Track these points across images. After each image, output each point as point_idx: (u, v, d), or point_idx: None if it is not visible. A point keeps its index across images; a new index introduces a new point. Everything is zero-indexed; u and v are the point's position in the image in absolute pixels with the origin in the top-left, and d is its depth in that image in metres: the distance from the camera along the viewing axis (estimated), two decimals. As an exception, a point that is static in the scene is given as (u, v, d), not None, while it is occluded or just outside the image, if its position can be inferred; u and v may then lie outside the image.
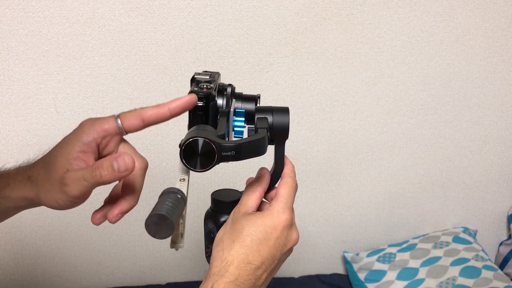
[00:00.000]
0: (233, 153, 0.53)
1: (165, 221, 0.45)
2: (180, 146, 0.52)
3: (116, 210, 0.58)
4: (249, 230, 0.55)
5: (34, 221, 1.24)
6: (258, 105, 0.63)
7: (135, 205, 0.59)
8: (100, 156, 0.58)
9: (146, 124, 0.58)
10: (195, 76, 0.62)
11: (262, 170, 0.63)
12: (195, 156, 0.53)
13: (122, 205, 0.58)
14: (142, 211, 1.29)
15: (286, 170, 0.61)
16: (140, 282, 1.35)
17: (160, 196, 0.50)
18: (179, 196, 0.50)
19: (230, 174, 1.26)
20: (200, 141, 0.52)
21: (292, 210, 0.58)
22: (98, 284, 1.33)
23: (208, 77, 0.62)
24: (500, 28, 1.28)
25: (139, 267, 1.34)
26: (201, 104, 0.58)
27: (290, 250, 0.59)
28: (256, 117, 0.60)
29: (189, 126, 0.59)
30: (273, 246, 0.56)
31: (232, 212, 0.60)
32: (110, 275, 1.34)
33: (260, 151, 0.55)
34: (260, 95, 0.65)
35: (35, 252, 1.27)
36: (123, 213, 0.58)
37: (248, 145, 0.54)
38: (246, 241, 0.55)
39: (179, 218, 0.51)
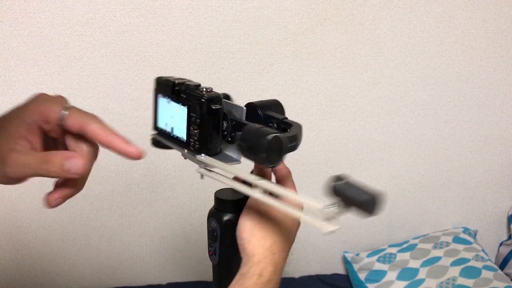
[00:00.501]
0: (293, 143, 0.54)
1: (378, 200, 0.46)
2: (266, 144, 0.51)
3: (57, 194, 0.52)
4: (281, 221, 0.60)
5: (35, 221, 1.24)
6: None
7: (79, 191, 0.54)
8: (46, 136, 0.52)
9: (85, 135, 0.51)
10: (177, 82, 0.60)
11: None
12: (280, 151, 0.52)
13: (65, 190, 0.53)
14: (143, 211, 1.30)
15: (284, 170, 0.64)
16: (141, 282, 1.35)
17: (347, 184, 0.48)
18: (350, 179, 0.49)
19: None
20: (280, 138, 0.51)
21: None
22: (99, 284, 1.33)
23: (187, 80, 0.61)
24: (500, 29, 1.28)
25: (139, 267, 1.34)
26: (219, 107, 0.58)
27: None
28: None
29: (202, 132, 0.58)
30: (295, 230, 0.62)
31: (253, 199, 0.61)
32: (111, 275, 1.34)
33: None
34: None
35: (35, 252, 1.27)
36: (65, 198, 0.53)
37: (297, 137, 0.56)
38: (282, 230, 0.59)
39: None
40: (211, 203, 0.65)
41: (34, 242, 1.26)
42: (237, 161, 0.60)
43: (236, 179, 0.61)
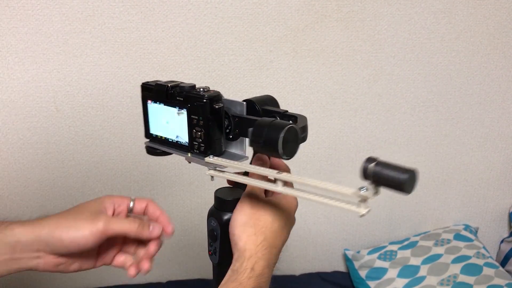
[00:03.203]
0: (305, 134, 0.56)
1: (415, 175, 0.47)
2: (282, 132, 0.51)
3: (146, 261, 0.70)
4: (274, 218, 0.59)
5: (35, 220, 1.24)
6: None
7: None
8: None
9: (146, 212, 0.68)
10: (169, 85, 0.60)
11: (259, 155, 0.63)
12: (294, 142, 0.53)
13: (151, 249, 0.69)
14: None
15: (282, 162, 0.64)
16: (141, 280, 1.35)
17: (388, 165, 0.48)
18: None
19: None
20: (293, 128, 0.52)
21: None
22: (99, 282, 1.33)
23: (181, 82, 0.61)
24: (501, 25, 1.27)
25: (139, 265, 1.34)
26: (221, 105, 0.57)
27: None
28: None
29: (208, 133, 0.57)
30: (289, 228, 0.61)
31: (246, 194, 0.60)
32: (111, 273, 1.33)
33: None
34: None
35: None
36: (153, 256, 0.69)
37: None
38: (274, 227, 0.58)
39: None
40: (211, 201, 0.65)
41: (34, 240, 1.26)
42: (245, 157, 0.60)
43: (248, 174, 0.60)
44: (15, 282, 1.29)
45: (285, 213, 0.60)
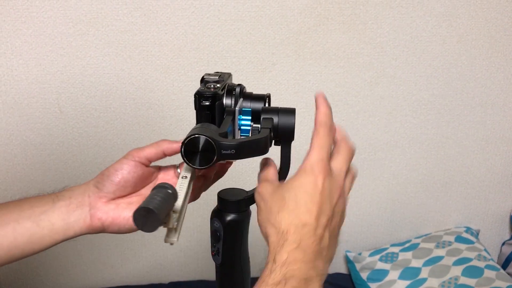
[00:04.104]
0: (233, 151, 0.53)
1: (151, 215, 0.46)
2: (181, 143, 0.53)
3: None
4: (289, 196, 0.52)
5: (38, 220, 1.24)
6: (267, 105, 0.63)
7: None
8: None
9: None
10: (204, 77, 0.62)
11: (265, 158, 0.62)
12: (196, 153, 0.53)
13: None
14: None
15: (318, 116, 0.57)
16: (143, 281, 1.35)
17: (152, 190, 0.50)
18: (170, 191, 0.50)
19: (237, 173, 1.26)
20: (201, 138, 0.53)
21: (327, 158, 0.54)
22: (102, 283, 1.33)
23: (217, 78, 0.62)
24: (502, 28, 1.28)
25: (142, 266, 1.34)
26: (207, 104, 0.58)
27: (341, 196, 0.55)
28: (261, 117, 0.60)
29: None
30: (321, 201, 0.52)
31: (257, 194, 0.57)
32: (114, 274, 1.34)
33: (260, 151, 0.55)
34: (270, 94, 0.65)
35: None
36: None
37: (248, 144, 0.54)
38: (291, 206, 0.52)
39: (167, 212, 0.51)
40: (213, 202, 0.65)
41: (36, 241, 1.26)
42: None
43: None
44: (18, 282, 1.29)
45: (309, 185, 0.52)
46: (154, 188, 0.51)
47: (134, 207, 0.54)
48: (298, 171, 0.54)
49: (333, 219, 0.53)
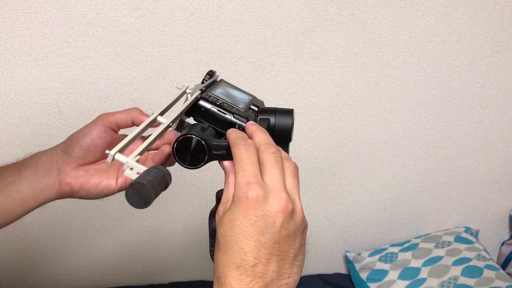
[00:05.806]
0: (223, 152, 0.54)
1: (144, 189, 0.46)
2: (173, 142, 0.54)
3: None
4: (221, 233, 0.48)
5: (37, 221, 1.24)
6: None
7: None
8: None
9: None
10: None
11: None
12: (187, 153, 0.54)
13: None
14: (144, 211, 1.30)
15: (229, 141, 0.53)
16: (143, 281, 1.35)
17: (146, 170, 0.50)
18: (164, 171, 0.50)
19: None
20: (193, 139, 0.53)
21: (255, 175, 0.47)
22: (101, 283, 1.34)
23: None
24: (501, 28, 1.28)
25: (141, 267, 1.35)
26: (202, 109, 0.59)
27: (284, 211, 0.46)
28: (258, 117, 0.60)
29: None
30: (255, 234, 0.45)
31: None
32: (113, 274, 1.34)
33: None
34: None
35: (38, 252, 1.28)
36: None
37: None
38: (223, 247, 0.47)
39: (160, 192, 0.49)
40: (212, 202, 0.65)
41: (36, 242, 1.27)
42: None
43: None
44: (18, 282, 1.30)
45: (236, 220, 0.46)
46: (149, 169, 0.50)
47: (102, 174, 0.54)
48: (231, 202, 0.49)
49: (280, 246, 0.46)
